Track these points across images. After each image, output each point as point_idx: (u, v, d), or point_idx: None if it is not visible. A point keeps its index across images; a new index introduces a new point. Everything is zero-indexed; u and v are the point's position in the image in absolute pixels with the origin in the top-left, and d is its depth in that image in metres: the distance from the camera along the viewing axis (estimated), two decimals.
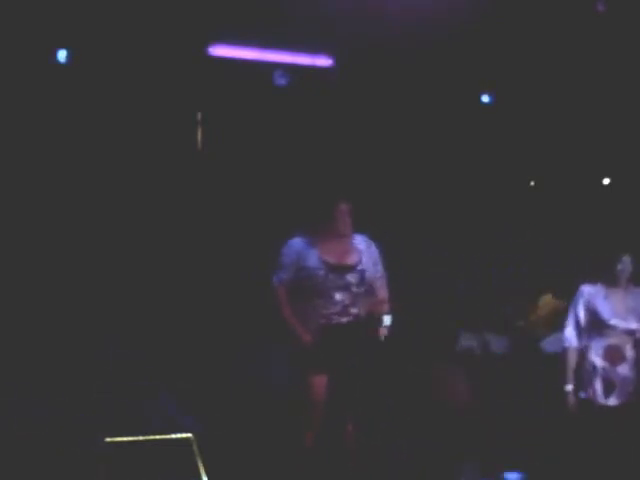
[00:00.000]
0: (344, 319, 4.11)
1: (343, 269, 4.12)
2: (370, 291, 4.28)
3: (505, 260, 8.59)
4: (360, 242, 4.27)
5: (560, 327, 7.01)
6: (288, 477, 4.37)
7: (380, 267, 4.34)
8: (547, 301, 7.58)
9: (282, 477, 4.42)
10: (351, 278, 4.12)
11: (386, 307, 4.21)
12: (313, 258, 4.12)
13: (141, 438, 4.44)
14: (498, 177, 8.87)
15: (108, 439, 4.33)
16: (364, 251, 4.24)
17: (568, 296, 7.42)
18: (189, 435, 4.53)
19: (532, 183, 9.25)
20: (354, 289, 4.13)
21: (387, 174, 8.09)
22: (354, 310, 4.14)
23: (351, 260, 4.16)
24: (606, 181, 8.79)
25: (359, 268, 4.15)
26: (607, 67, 6.62)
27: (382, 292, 4.36)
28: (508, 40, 6.43)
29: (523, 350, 6.88)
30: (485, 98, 7.86)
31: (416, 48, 6.49)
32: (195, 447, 4.36)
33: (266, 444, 4.77)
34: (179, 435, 4.56)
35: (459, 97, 7.72)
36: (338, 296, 4.09)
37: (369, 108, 7.56)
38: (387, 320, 4.14)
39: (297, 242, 4.22)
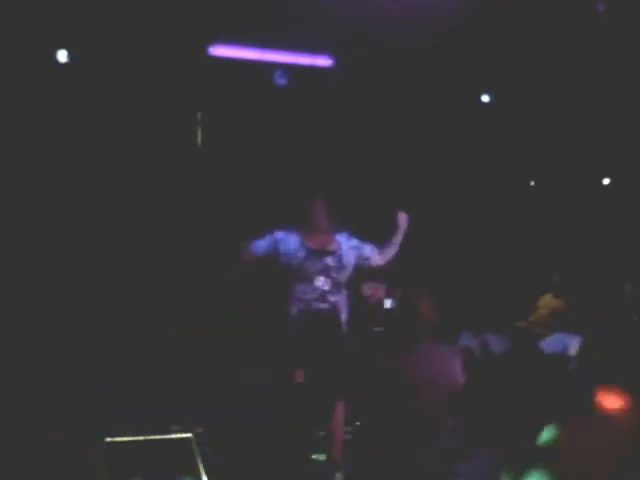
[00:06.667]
0: (322, 305, 4.22)
1: (322, 252, 4.32)
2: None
3: (505, 260, 8.60)
4: (340, 236, 4.46)
5: (560, 327, 7.09)
6: (287, 477, 4.38)
7: (366, 245, 4.50)
8: (547, 301, 7.59)
9: (281, 477, 4.42)
10: (330, 261, 4.30)
11: (383, 292, 4.37)
12: (294, 244, 4.33)
13: (141, 438, 4.44)
14: (498, 177, 8.87)
15: (108, 439, 4.34)
16: (344, 242, 4.43)
17: (568, 296, 7.49)
18: (189, 435, 4.53)
19: (532, 183, 9.26)
20: (333, 274, 4.29)
21: (387, 174, 8.08)
22: (333, 298, 4.28)
23: (330, 247, 4.37)
24: (606, 181, 8.79)
25: (338, 253, 4.34)
26: (607, 67, 6.62)
27: (381, 258, 4.56)
28: (508, 40, 6.44)
29: (523, 350, 6.87)
30: (485, 98, 7.86)
31: (416, 48, 6.49)
32: (195, 447, 4.36)
33: (265, 444, 4.76)
34: (179, 435, 4.56)
35: (459, 97, 7.72)
36: (318, 282, 4.26)
37: (369, 108, 7.56)
38: (387, 303, 4.24)
39: (281, 231, 4.44)
